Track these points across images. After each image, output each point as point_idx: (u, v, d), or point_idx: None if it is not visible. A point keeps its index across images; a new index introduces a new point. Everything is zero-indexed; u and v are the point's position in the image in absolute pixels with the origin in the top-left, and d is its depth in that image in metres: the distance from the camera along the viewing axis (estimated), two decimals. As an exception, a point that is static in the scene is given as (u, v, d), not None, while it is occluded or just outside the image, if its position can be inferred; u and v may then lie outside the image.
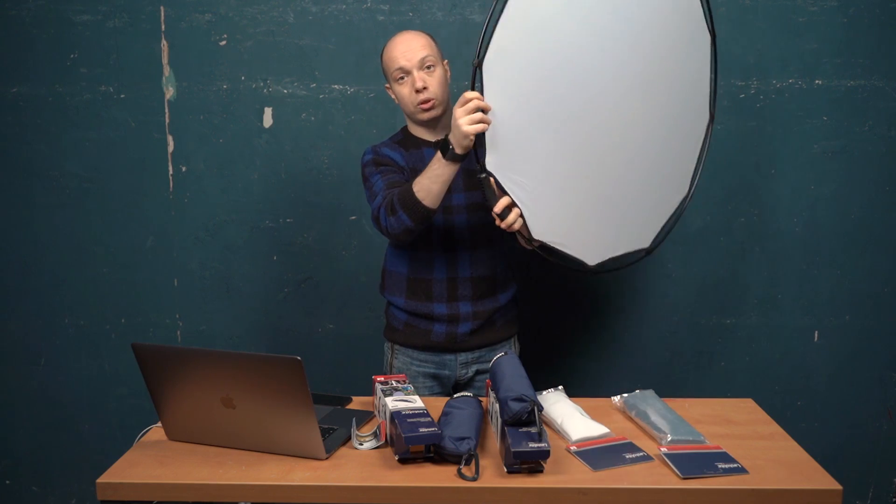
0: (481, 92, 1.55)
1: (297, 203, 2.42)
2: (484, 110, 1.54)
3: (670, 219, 1.87)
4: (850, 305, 2.44)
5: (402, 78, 1.81)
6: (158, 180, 2.42)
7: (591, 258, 1.76)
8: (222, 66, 2.35)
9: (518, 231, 1.63)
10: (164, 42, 2.34)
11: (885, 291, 2.43)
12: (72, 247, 2.46)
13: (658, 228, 1.86)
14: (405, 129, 1.94)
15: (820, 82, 2.32)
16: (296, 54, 2.34)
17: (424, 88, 1.78)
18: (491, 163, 1.59)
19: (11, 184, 2.43)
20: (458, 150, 1.58)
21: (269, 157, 2.40)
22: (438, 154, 1.62)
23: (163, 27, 2.33)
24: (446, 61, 1.87)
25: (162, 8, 2.32)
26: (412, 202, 1.65)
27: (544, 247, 1.68)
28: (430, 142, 1.88)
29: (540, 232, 1.66)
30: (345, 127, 2.38)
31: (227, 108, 2.37)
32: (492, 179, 1.59)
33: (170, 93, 2.37)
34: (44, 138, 2.40)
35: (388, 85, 1.88)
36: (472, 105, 1.53)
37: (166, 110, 2.38)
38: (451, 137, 1.59)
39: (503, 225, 1.61)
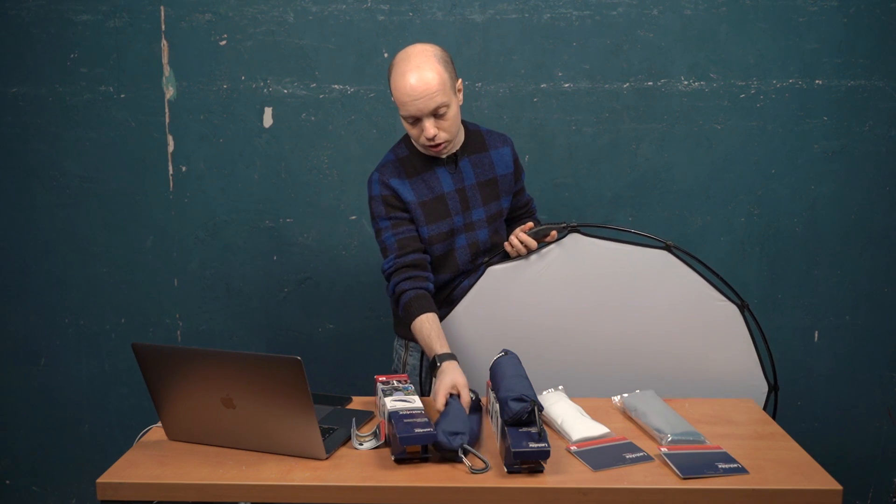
0: None
1: (297, 203, 2.42)
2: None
3: None
4: (850, 305, 2.44)
5: (411, 122, 1.67)
6: (158, 180, 2.42)
7: None
8: (222, 66, 2.35)
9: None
10: (164, 42, 2.34)
11: (885, 291, 2.43)
12: (72, 247, 2.46)
13: None
14: (412, 144, 1.78)
15: (820, 82, 2.32)
16: (296, 54, 2.34)
17: (435, 136, 1.66)
18: None
19: (11, 184, 2.43)
20: (434, 375, 1.62)
21: (269, 157, 2.40)
22: (434, 349, 1.64)
23: (163, 27, 2.33)
24: (459, 81, 1.70)
25: (162, 8, 2.32)
26: (408, 323, 1.73)
27: None
28: (442, 159, 1.77)
29: None
30: (345, 127, 2.38)
31: (227, 108, 2.37)
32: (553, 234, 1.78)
33: (170, 93, 2.37)
34: (44, 138, 2.40)
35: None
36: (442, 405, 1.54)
37: (166, 110, 2.38)
38: (436, 373, 1.60)
39: (521, 241, 1.75)
